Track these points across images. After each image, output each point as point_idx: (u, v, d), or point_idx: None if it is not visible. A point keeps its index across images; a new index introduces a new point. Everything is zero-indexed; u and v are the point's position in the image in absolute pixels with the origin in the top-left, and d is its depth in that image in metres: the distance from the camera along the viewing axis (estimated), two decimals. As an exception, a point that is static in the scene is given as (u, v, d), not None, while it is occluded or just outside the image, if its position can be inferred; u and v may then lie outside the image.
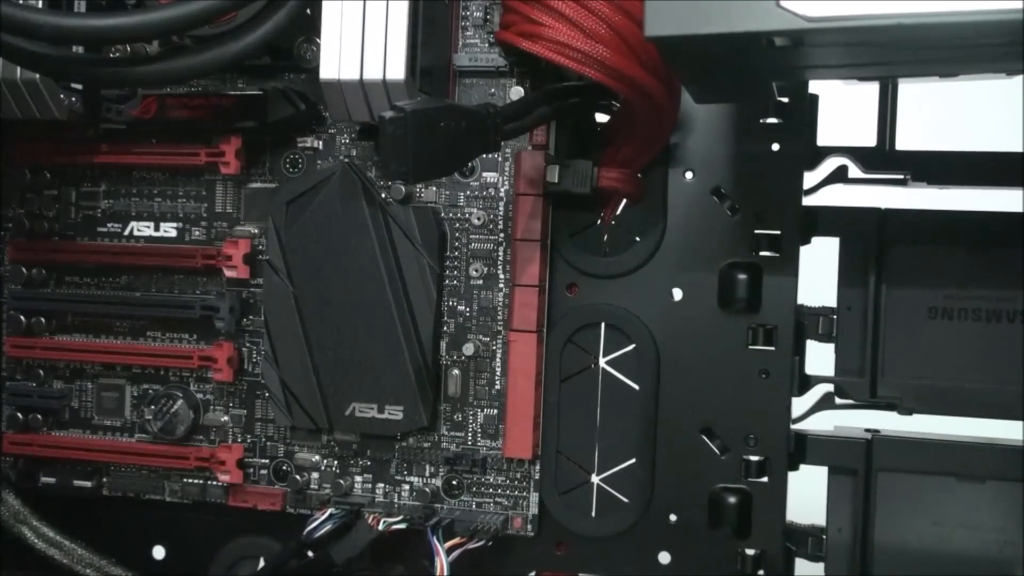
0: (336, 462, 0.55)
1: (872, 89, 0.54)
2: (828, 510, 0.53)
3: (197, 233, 0.56)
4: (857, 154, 0.54)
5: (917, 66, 0.44)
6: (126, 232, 0.57)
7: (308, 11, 0.48)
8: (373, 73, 0.47)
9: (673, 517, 0.53)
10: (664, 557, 0.53)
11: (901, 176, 0.54)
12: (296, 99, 0.54)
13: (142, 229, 0.57)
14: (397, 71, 0.47)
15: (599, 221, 0.54)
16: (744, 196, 0.52)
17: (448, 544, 0.52)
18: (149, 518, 0.59)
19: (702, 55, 0.39)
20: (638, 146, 0.51)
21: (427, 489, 0.54)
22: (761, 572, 0.52)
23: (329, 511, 0.54)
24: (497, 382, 0.53)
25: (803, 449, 0.53)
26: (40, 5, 0.49)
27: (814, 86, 0.52)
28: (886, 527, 0.52)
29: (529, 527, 0.54)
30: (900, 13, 0.33)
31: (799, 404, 0.54)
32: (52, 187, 0.58)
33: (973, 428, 0.53)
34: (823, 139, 0.54)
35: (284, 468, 0.56)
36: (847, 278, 0.53)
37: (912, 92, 0.54)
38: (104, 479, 0.58)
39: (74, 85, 0.52)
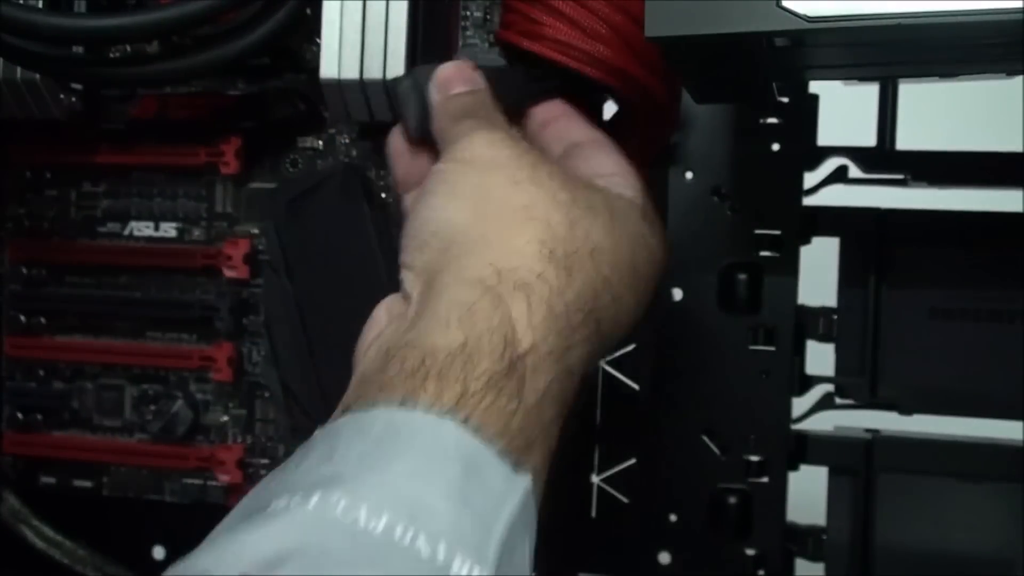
0: (336, 462, 0.55)
1: (872, 89, 0.54)
2: (828, 510, 0.53)
3: (197, 233, 0.56)
4: (857, 154, 0.54)
5: (917, 66, 0.44)
6: (126, 232, 0.57)
7: (308, 11, 0.48)
8: (373, 73, 0.47)
9: (673, 517, 0.53)
10: (664, 557, 0.53)
11: (901, 176, 0.54)
12: (296, 99, 0.54)
13: (142, 229, 0.57)
14: (397, 71, 0.47)
15: (599, 221, 0.54)
16: (744, 196, 0.52)
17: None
18: (149, 518, 0.59)
19: (702, 55, 0.39)
20: (639, 146, 0.51)
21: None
22: (761, 572, 0.52)
23: (329, 511, 0.54)
24: (497, 382, 0.53)
25: (803, 449, 0.53)
26: (40, 5, 0.49)
27: (814, 86, 0.52)
28: (886, 527, 0.52)
29: (529, 527, 0.54)
30: (900, 13, 0.33)
31: (799, 404, 0.54)
32: (52, 187, 0.58)
33: (973, 428, 0.53)
34: (823, 139, 0.54)
35: (284, 468, 0.56)
36: (847, 278, 0.53)
37: (912, 92, 0.54)
38: (104, 479, 0.58)
39: (74, 85, 0.52)
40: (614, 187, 0.39)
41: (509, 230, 0.34)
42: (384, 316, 0.37)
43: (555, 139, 0.43)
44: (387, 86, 0.47)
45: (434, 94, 0.40)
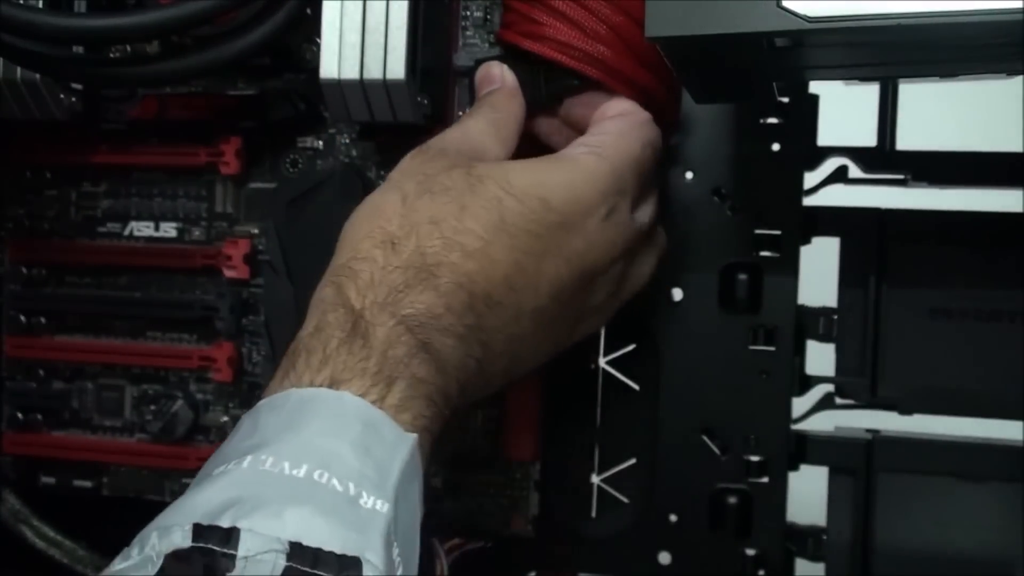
0: (336, 462, 0.55)
1: (872, 89, 0.54)
2: (829, 510, 0.53)
3: (197, 233, 0.56)
4: (857, 154, 0.54)
5: (917, 66, 0.44)
6: (126, 232, 0.57)
7: (308, 11, 0.48)
8: (373, 73, 0.47)
9: (673, 517, 0.53)
10: (664, 557, 0.53)
11: (901, 176, 0.54)
12: (296, 99, 0.54)
13: (142, 229, 0.57)
14: (397, 71, 0.47)
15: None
16: (744, 196, 0.52)
17: (448, 544, 0.52)
18: (149, 518, 0.59)
19: (702, 55, 0.39)
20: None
21: (427, 489, 0.54)
22: (761, 572, 0.52)
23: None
24: (497, 382, 0.53)
25: (803, 449, 0.53)
26: (40, 5, 0.49)
27: (814, 86, 0.52)
28: (887, 527, 0.52)
29: (529, 527, 0.54)
30: (901, 13, 0.33)
31: (799, 404, 0.54)
32: (52, 187, 0.58)
33: (973, 428, 0.53)
34: (823, 139, 0.54)
35: (284, 468, 0.56)
36: (847, 278, 0.53)
37: (912, 92, 0.54)
38: (104, 479, 0.58)
39: (74, 85, 0.52)
40: (578, 147, 0.45)
41: (357, 233, 0.41)
42: None
43: (599, 116, 0.47)
44: (387, 86, 0.47)
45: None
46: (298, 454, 0.34)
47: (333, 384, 0.36)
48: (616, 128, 0.45)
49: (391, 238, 0.40)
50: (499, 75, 0.47)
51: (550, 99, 0.47)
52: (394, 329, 0.38)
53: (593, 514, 0.54)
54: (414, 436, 0.36)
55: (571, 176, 0.43)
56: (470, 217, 0.41)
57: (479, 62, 0.48)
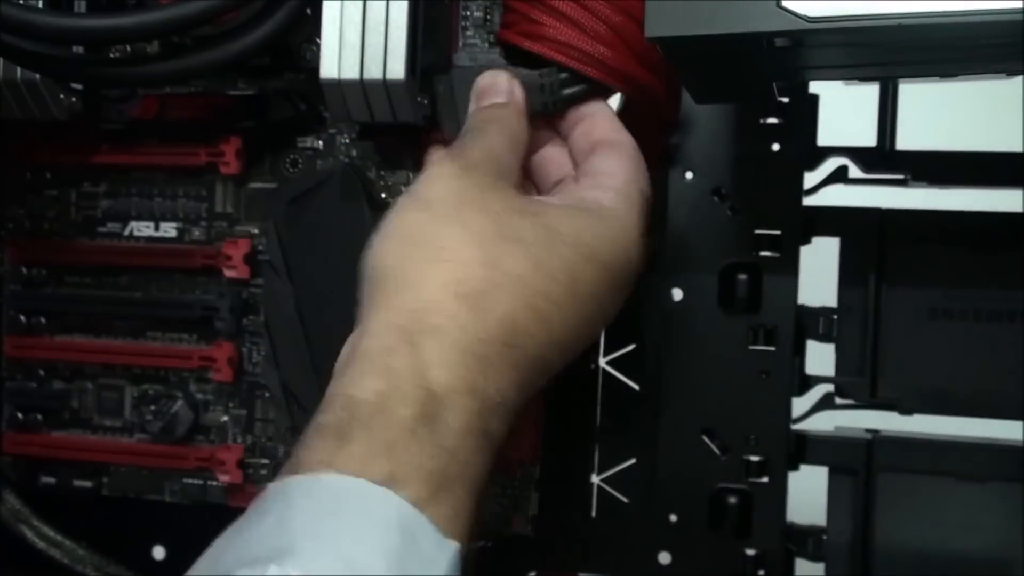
0: (336, 462, 0.55)
1: (872, 89, 0.54)
2: (828, 510, 0.53)
3: (197, 233, 0.56)
4: (857, 154, 0.54)
5: (917, 66, 0.44)
6: (126, 232, 0.57)
7: (308, 11, 0.48)
8: (373, 73, 0.47)
9: (673, 517, 0.53)
10: (664, 557, 0.53)
11: (901, 176, 0.54)
12: (296, 99, 0.54)
13: (142, 229, 0.57)
14: (397, 71, 0.47)
15: (599, 221, 0.54)
16: (744, 196, 0.52)
17: (448, 544, 0.52)
18: (149, 518, 0.59)
19: (702, 55, 0.39)
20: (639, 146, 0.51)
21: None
22: (761, 572, 0.52)
23: (329, 511, 0.54)
24: (497, 382, 0.53)
25: (803, 449, 0.53)
26: (40, 5, 0.49)
27: (814, 86, 0.52)
28: (887, 527, 0.52)
29: (529, 527, 0.54)
30: (901, 13, 0.33)
31: (799, 404, 0.54)
32: (52, 187, 0.58)
33: (973, 428, 0.53)
34: (823, 139, 0.54)
35: (284, 468, 0.56)
36: (847, 278, 0.53)
37: (912, 92, 0.54)
38: (104, 479, 0.58)
39: (74, 85, 0.52)
40: (602, 190, 0.41)
41: (425, 272, 0.36)
42: (348, 346, 0.39)
43: (583, 136, 0.45)
44: (387, 86, 0.47)
45: (472, 102, 0.45)
46: (328, 570, 0.30)
47: (389, 482, 0.32)
48: (626, 170, 0.43)
49: (474, 293, 0.35)
50: (507, 88, 0.45)
51: (559, 106, 0.47)
52: (471, 419, 0.34)
53: (593, 514, 0.54)
54: (455, 548, 0.33)
55: (625, 239, 0.41)
56: (546, 278, 0.36)
57: (482, 69, 0.48)
